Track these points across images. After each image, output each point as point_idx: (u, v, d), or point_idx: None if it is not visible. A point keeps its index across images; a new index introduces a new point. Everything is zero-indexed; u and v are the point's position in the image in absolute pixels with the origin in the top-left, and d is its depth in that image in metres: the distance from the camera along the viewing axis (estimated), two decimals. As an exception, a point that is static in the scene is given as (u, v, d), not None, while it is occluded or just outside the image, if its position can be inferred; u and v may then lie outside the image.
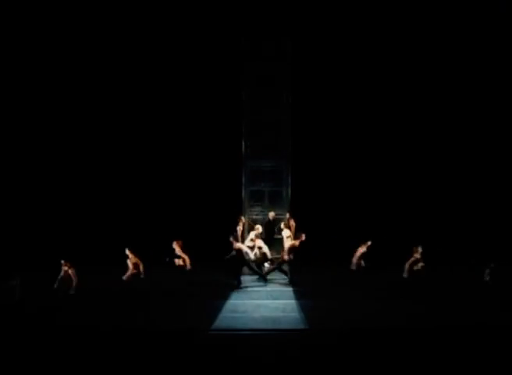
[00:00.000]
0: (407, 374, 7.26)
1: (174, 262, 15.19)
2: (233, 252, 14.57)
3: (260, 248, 14.86)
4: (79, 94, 17.79)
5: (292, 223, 15.23)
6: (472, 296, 12.31)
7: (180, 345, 8.33)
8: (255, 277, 14.78)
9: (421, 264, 14.47)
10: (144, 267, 14.60)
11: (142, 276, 14.49)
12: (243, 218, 16.32)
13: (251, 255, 14.65)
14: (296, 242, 14.22)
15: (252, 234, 15.49)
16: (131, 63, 17.66)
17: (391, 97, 17.88)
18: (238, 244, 14.32)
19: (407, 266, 14.48)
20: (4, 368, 7.35)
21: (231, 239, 14.41)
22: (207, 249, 16.38)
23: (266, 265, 15.44)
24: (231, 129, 18.01)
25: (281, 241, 15.55)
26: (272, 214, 17.03)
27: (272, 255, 15.35)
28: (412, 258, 14.47)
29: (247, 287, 13.83)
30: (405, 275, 14.44)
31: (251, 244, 15.02)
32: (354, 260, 15.17)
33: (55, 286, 12.84)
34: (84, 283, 13.42)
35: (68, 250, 14.90)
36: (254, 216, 17.89)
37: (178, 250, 15.33)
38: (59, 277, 12.95)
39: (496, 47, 17.37)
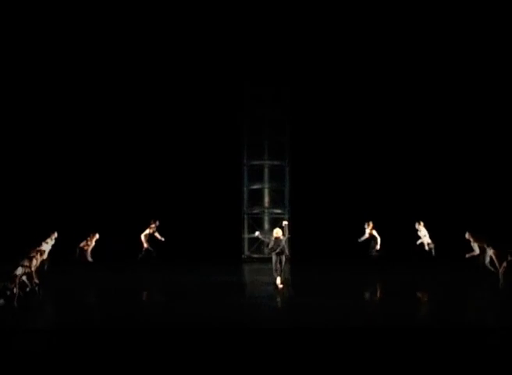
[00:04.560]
0: (407, 374, 7.26)
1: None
2: None
3: None
4: (83, 105, 17.96)
5: None
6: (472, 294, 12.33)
7: (180, 344, 8.35)
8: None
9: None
10: None
11: None
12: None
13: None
14: None
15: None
16: (135, 68, 17.69)
17: (388, 98, 17.95)
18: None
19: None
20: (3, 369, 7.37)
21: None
22: (207, 248, 16.40)
23: None
24: (231, 128, 18.04)
25: None
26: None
27: None
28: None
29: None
30: None
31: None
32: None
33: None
34: (82, 282, 13.45)
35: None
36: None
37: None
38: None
39: (496, 47, 17.40)
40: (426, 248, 15.59)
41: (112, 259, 16.22)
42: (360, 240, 15.95)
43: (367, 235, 15.94)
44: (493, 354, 7.73)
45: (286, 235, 13.25)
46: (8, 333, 8.97)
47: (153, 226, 16.23)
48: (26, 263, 11.09)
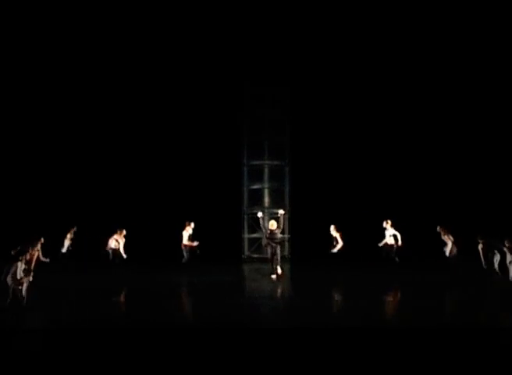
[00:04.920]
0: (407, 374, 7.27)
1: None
2: None
3: None
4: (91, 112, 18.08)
5: None
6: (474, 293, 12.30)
7: (180, 344, 8.35)
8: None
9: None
10: None
11: None
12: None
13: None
14: None
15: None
16: (136, 68, 17.73)
17: (388, 98, 17.99)
18: None
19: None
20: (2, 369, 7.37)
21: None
22: (207, 248, 16.37)
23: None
24: (231, 128, 18.06)
25: None
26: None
27: None
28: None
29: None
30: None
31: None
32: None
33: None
34: (84, 282, 13.48)
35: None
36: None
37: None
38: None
39: (496, 47, 17.41)
40: (381, 244, 15.43)
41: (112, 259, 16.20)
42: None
43: (338, 239, 15.57)
44: (494, 354, 7.74)
45: (282, 226, 13.78)
46: (8, 333, 8.97)
47: (188, 227, 15.50)
48: (21, 257, 10.99)
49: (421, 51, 17.60)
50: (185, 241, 15.41)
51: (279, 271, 13.71)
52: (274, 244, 13.63)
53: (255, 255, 18.09)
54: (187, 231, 15.47)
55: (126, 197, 17.80)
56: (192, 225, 15.61)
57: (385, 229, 15.57)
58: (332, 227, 15.66)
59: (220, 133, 17.93)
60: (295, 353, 7.84)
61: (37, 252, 12.07)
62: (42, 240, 12.77)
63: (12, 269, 10.48)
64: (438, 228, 14.58)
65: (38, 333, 9.03)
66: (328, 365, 7.36)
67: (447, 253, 14.35)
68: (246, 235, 18.49)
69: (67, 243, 15.00)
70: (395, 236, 15.43)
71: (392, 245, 15.38)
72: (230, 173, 18.10)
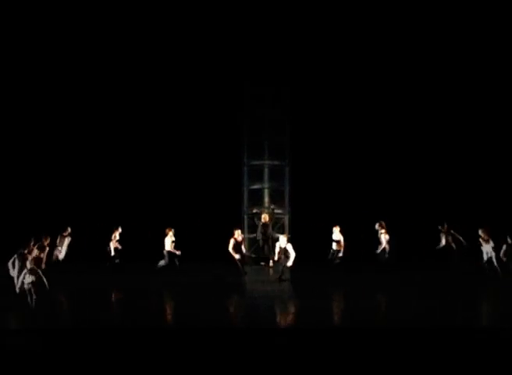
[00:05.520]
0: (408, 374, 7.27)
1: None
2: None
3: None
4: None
5: None
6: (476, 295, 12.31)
7: (180, 344, 8.34)
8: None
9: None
10: None
11: None
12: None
13: None
14: None
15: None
16: (136, 68, 17.69)
17: (388, 98, 17.97)
18: None
19: None
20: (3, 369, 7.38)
21: None
22: (207, 248, 16.40)
23: None
24: (231, 128, 18.05)
25: None
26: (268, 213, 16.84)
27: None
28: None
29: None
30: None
31: None
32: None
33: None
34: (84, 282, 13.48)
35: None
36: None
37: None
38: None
39: (496, 47, 17.41)
40: (334, 249, 15.49)
41: (111, 260, 16.20)
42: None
43: (277, 249, 14.55)
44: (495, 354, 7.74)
45: (273, 219, 14.13)
46: (8, 333, 8.98)
47: (236, 234, 14.97)
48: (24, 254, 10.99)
49: (422, 51, 17.59)
50: (230, 248, 14.88)
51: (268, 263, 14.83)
52: (265, 238, 14.70)
53: (255, 255, 18.07)
54: (235, 239, 14.96)
55: (125, 197, 17.76)
56: (240, 232, 15.07)
57: (332, 232, 15.64)
58: (281, 237, 14.67)
59: (220, 133, 17.91)
60: (295, 353, 7.84)
61: (42, 249, 12.16)
62: (49, 240, 12.98)
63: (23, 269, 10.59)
64: (376, 225, 14.90)
65: (38, 333, 9.04)
66: (328, 365, 7.36)
67: (379, 250, 14.67)
68: (246, 235, 18.46)
69: (113, 244, 15.13)
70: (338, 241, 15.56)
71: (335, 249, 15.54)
72: (230, 173, 18.08)
